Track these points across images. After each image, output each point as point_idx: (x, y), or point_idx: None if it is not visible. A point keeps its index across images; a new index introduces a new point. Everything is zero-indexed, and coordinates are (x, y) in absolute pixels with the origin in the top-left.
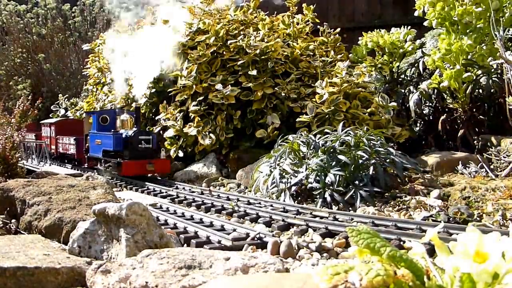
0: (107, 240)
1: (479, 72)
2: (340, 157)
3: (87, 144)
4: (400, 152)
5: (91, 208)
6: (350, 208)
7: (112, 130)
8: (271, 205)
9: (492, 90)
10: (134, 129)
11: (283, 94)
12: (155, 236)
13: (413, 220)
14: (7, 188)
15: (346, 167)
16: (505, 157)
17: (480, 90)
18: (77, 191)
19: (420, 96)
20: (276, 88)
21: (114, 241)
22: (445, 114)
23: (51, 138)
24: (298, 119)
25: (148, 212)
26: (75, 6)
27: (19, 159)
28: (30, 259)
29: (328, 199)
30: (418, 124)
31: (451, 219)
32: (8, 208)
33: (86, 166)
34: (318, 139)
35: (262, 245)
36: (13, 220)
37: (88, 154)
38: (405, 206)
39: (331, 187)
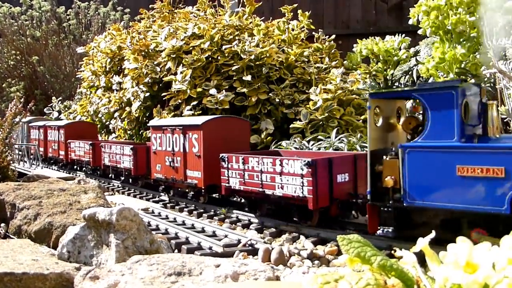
0: (97, 246)
1: (473, 81)
2: None
3: (396, 178)
4: None
5: (82, 213)
6: None
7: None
8: None
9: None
10: None
11: (277, 100)
12: (145, 242)
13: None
14: None
15: None
16: None
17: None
18: (68, 195)
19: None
20: (270, 94)
21: (104, 247)
22: None
23: (186, 155)
24: (292, 125)
25: (139, 218)
26: (70, 8)
27: (11, 162)
28: (18, 264)
29: None
30: None
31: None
32: None
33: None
34: (311, 145)
35: (253, 251)
36: (2, 224)
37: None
38: None
39: None
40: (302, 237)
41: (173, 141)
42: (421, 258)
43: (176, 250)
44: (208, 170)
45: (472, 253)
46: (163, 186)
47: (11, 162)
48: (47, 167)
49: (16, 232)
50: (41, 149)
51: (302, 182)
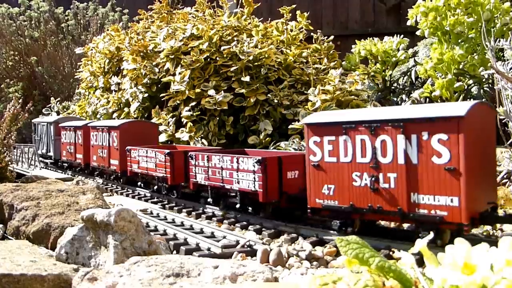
0: (95, 247)
1: (471, 81)
2: None
3: None
4: None
5: (80, 214)
6: None
7: None
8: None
9: (483, 100)
10: None
11: (275, 101)
12: (143, 243)
13: (403, 228)
14: None
15: None
16: None
17: (471, 100)
18: (66, 196)
19: (412, 105)
20: (269, 95)
21: (102, 248)
22: None
23: (410, 169)
24: (290, 126)
25: (137, 219)
26: (69, 9)
27: (9, 162)
28: (16, 265)
29: None
30: None
31: None
32: None
33: None
34: None
35: (252, 252)
36: (0, 225)
37: None
38: None
39: None
40: (300, 238)
41: (374, 147)
42: (419, 259)
43: (174, 251)
44: (471, 193)
45: (470, 254)
46: (339, 221)
47: (9, 163)
48: (91, 180)
49: (14, 233)
50: (79, 156)
51: None
